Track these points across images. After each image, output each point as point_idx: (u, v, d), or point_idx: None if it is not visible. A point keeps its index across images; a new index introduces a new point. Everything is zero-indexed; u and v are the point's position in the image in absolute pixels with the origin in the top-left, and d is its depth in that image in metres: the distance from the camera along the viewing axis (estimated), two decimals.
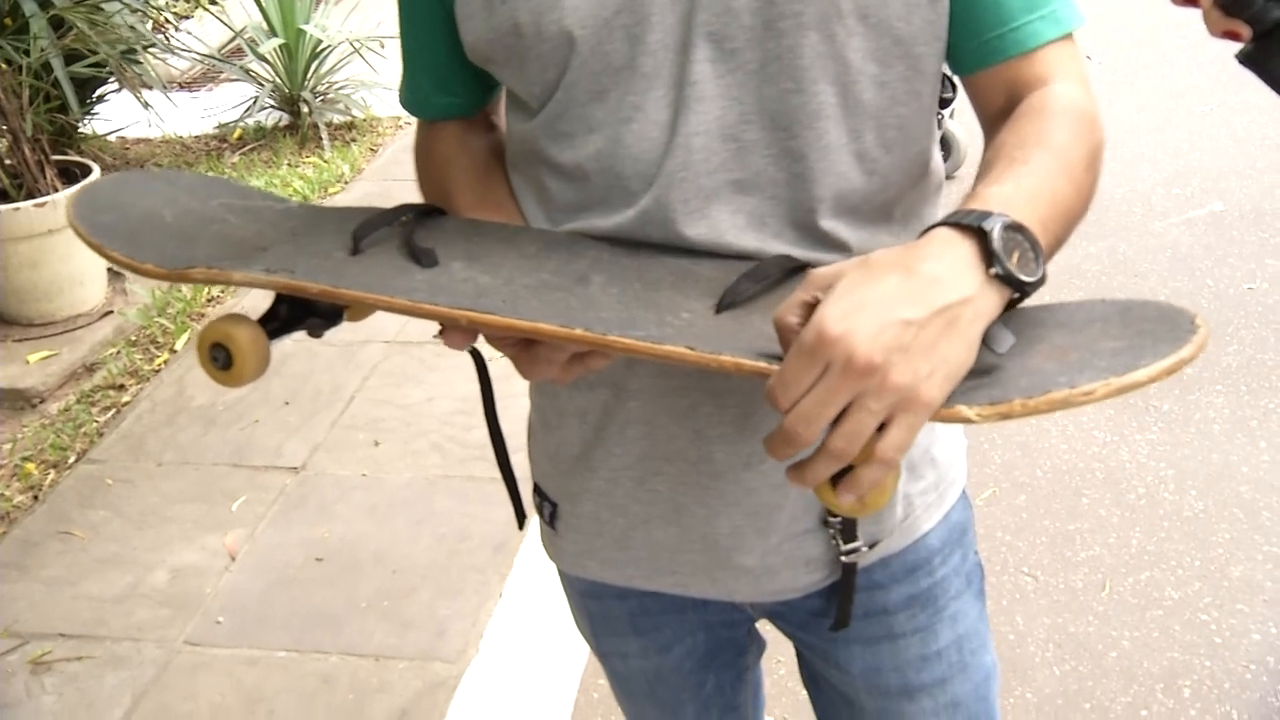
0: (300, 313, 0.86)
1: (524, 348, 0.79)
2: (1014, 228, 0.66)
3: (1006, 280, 0.65)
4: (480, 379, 0.99)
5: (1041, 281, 0.67)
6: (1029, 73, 0.83)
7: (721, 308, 0.76)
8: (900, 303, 0.62)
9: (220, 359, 0.83)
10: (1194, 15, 0.78)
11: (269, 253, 0.86)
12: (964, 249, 0.65)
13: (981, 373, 0.67)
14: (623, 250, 0.85)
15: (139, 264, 0.83)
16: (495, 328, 0.76)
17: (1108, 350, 0.65)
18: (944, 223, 0.67)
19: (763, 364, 0.68)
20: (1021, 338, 0.69)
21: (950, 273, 0.64)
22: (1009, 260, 0.65)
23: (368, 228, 0.87)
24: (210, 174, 1.03)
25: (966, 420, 0.63)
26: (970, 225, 0.66)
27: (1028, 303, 0.70)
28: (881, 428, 0.64)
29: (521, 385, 1.06)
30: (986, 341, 0.66)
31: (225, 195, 0.97)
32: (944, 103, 3.62)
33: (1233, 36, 0.74)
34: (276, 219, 0.93)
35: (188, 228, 0.90)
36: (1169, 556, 2.27)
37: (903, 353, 0.61)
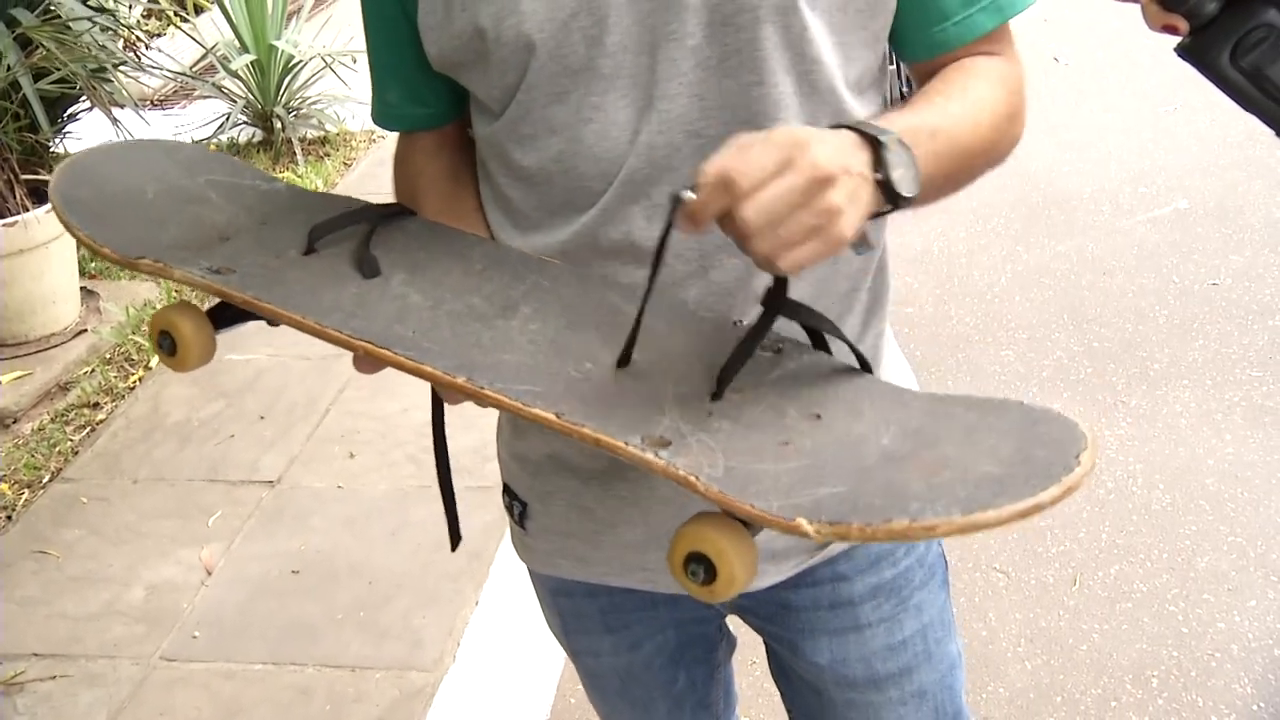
0: None
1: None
2: (902, 145, 0.72)
3: (885, 187, 0.71)
4: (433, 398, 0.97)
5: (911, 202, 0.73)
6: (965, 54, 0.88)
7: (621, 363, 0.76)
8: (836, 144, 0.69)
9: (166, 345, 0.85)
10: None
11: (228, 244, 0.86)
12: (863, 146, 0.71)
13: (853, 473, 0.66)
14: (566, 279, 0.85)
15: (98, 245, 0.85)
16: (388, 363, 0.77)
17: (978, 477, 0.63)
18: (846, 125, 0.72)
19: (620, 442, 0.68)
20: (921, 435, 0.69)
21: (856, 151, 0.70)
22: (892, 172, 0.71)
23: (324, 229, 0.87)
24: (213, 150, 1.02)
25: (805, 534, 0.62)
26: (867, 133, 0.71)
27: (971, 388, 0.70)
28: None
29: None
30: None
31: (217, 171, 0.96)
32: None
33: (1171, 30, 0.76)
34: (257, 202, 0.93)
35: (164, 207, 0.90)
36: (1137, 550, 2.29)
37: (847, 174, 0.68)
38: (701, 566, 0.67)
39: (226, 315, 0.87)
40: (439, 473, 1.03)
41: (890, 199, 0.72)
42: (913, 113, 0.79)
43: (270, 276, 0.83)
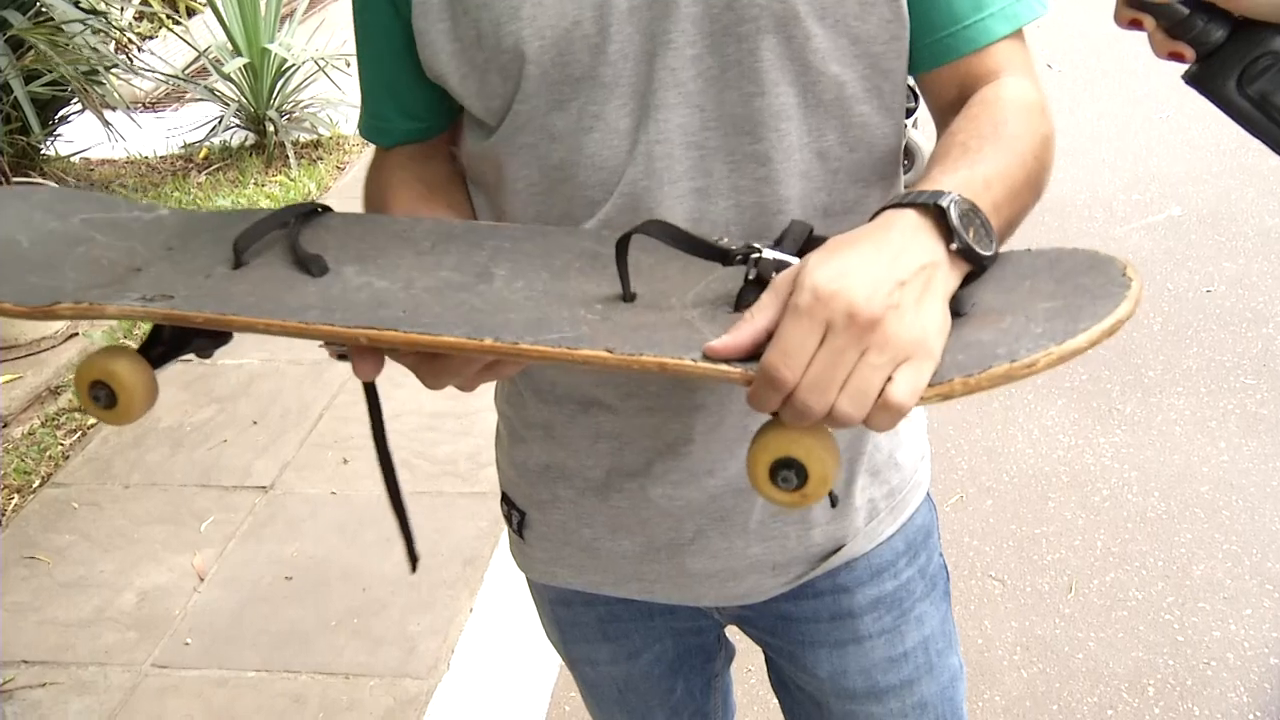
0: (185, 334, 0.80)
1: (427, 358, 0.76)
2: (967, 204, 0.69)
3: (965, 254, 0.68)
4: (369, 404, 0.89)
5: (995, 257, 0.69)
6: (980, 68, 0.84)
7: (627, 298, 0.73)
8: (881, 264, 0.64)
9: (102, 398, 0.76)
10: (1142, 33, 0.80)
11: (144, 274, 0.79)
12: (925, 224, 0.68)
13: None
14: (524, 235, 0.82)
15: None
16: (398, 344, 0.71)
17: (1043, 312, 0.64)
18: (900, 203, 0.69)
19: (687, 360, 0.65)
20: (960, 300, 0.68)
21: (916, 241, 0.67)
22: (967, 235, 0.67)
23: (249, 237, 0.80)
24: (79, 189, 0.97)
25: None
26: (927, 204, 0.68)
27: None
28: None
29: (488, 398, 1.06)
30: (952, 305, 0.68)
31: (88, 209, 0.88)
32: (907, 112, 3.66)
33: (1177, 58, 0.75)
34: (148, 232, 0.86)
35: (49, 253, 0.81)
36: (1133, 557, 2.30)
37: (896, 308, 0.63)
38: (792, 471, 0.65)
39: (156, 352, 0.80)
40: (387, 486, 0.96)
41: (972, 259, 0.68)
42: (960, 166, 0.74)
43: (216, 294, 0.76)
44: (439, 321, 0.71)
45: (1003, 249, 0.72)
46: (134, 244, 0.84)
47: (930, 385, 0.62)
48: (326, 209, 0.87)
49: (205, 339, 0.80)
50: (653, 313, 0.72)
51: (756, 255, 0.71)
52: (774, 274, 0.70)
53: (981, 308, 0.67)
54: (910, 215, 0.68)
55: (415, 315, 0.72)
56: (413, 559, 0.98)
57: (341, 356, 0.80)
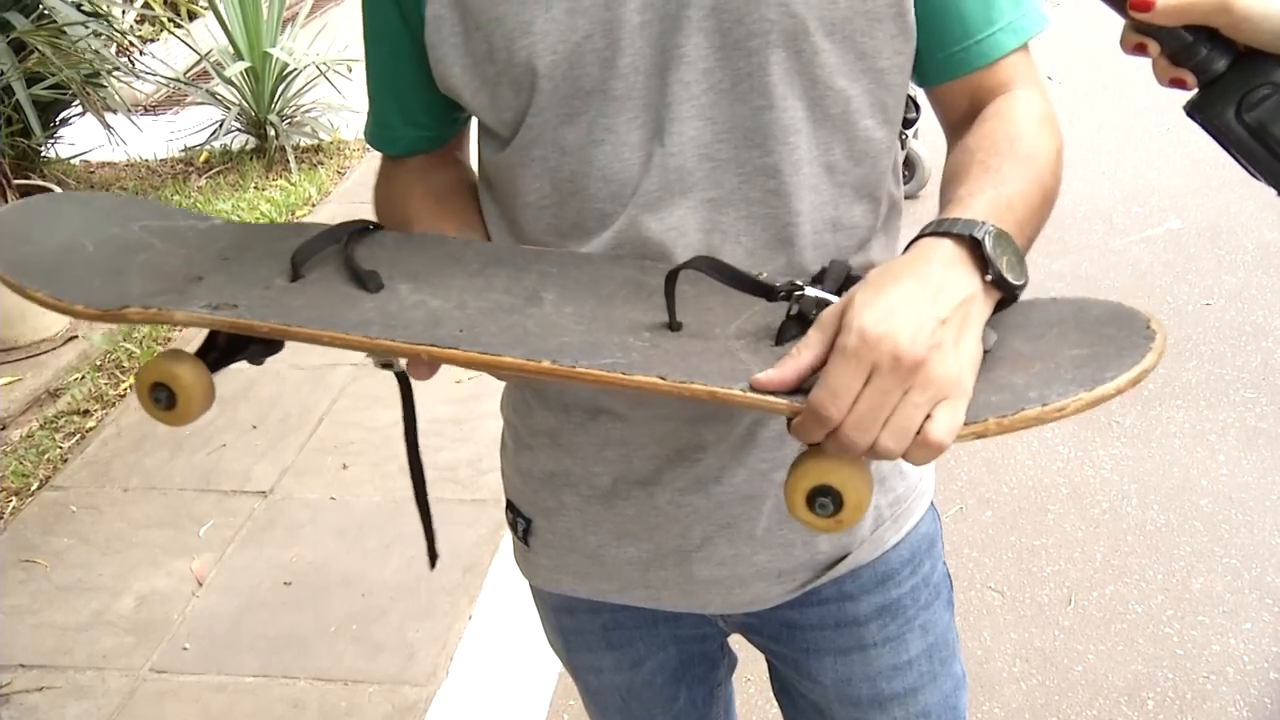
0: (240, 342, 0.83)
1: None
2: (1001, 235, 0.71)
3: (999, 284, 0.70)
4: (404, 402, 0.93)
5: (1025, 285, 0.72)
6: (991, 81, 0.86)
7: (673, 328, 0.76)
8: (924, 303, 0.67)
9: (163, 399, 0.80)
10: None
11: (205, 283, 0.82)
12: (961, 255, 0.70)
13: None
14: (570, 261, 0.84)
15: (67, 304, 0.78)
16: (457, 362, 0.75)
17: (1070, 359, 0.67)
18: (935, 231, 0.72)
19: (736, 390, 0.68)
20: (986, 341, 0.71)
21: (954, 275, 0.69)
22: (1000, 265, 0.70)
23: (306, 251, 0.84)
24: (129, 195, 0.98)
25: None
26: (962, 234, 0.70)
27: None
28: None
29: (494, 406, 1.06)
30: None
31: (145, 216, 0.92)
32: (908, 123, 3.66)
33: (1179, 85, 0.76)
34: (203, 242, 0.90)
35: (112, 258, 0.85)
36: (1132, 570, 2.30)
37: (938, 348, 0.66)
38: (829, 498, 0.69)
39: (211, 357, 0.83)
40: (415, 488, 0.99)
41: (1004, 289, 0.70)
42: (985, 187, 0.76)
43: (277, 305, 0.79)
44: (496, 341, 0.75)
45: (1028, 296, 0.74)
46: (191, 252, 0.88)
47: (967, 424, 0.66)
48: (378, 226, 0.91)
49: (259, 346, 0.84)
50: (698, 342, 0.75)
51: (800, 293, 0.74)
52: (814, 311, 0.73)
53: (1012, 352, 0.70)
54: (947, 245, 0.70)
55: (473, 334, 0.76)
56: (432, 556, 1.03)
57: (385, 365, 0.84)
